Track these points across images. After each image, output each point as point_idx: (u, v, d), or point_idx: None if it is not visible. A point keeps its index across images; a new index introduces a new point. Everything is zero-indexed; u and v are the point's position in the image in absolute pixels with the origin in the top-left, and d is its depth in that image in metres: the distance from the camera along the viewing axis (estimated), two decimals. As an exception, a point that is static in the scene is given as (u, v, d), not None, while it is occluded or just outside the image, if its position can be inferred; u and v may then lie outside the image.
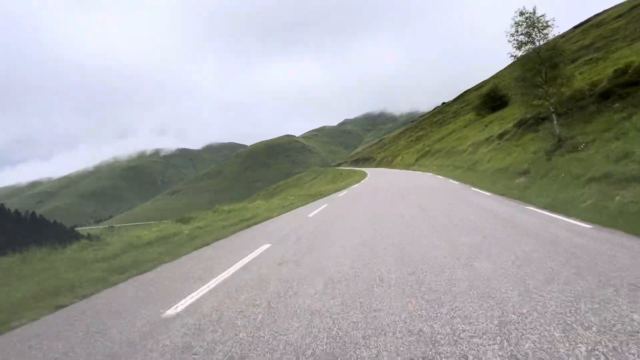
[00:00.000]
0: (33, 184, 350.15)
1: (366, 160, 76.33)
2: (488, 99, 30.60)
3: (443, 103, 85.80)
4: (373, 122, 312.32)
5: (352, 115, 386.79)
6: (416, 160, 34.40)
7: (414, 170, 30.51)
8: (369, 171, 40.34)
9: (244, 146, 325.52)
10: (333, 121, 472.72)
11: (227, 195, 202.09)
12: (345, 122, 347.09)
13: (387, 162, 50.96)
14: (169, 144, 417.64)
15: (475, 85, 64.16)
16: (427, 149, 34.62)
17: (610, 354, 1.88)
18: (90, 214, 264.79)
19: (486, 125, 23.18)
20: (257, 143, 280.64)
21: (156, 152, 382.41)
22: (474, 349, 2.05)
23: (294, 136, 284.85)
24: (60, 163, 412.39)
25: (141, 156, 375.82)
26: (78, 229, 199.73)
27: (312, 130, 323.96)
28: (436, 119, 58.17)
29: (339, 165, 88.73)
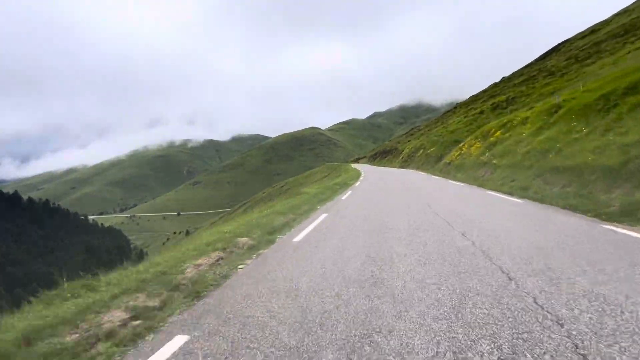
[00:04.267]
0: (69, 171, 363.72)
1: (387, 153, 51.44)
2: None
3: (503, 78, 65.05)
4: (406, 115, 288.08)
5: (384, 107, 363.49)
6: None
7: None
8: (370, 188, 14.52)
9: (270, 138, 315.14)
10: (363, 114, 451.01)
11: (247, 188, 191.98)
12: (375, 115, 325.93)
13: (426, 159, 27.24)
14: (197, 134, 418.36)
15: (578, 34, 42.95)
16: None
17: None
18: (117, 202, 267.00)
19: None
20: (281, 135, 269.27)
21: (184, 143, 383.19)
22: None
23: (319, 129, 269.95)
24: (96, 151, 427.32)
25: (170, 146, 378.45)
26: (103, 216, 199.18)
27: (340, 122, 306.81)
28: (519, 80, 37.82)
29: (357, 160, 70.89)
